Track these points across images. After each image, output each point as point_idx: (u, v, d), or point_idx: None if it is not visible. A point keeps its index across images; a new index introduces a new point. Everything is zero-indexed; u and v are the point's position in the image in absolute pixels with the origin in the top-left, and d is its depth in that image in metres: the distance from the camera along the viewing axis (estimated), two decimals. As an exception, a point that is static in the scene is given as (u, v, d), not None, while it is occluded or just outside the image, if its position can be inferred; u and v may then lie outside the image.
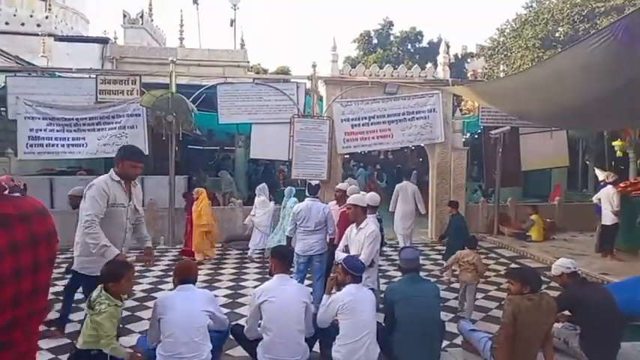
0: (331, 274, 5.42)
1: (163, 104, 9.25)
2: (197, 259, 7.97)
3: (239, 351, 4.10)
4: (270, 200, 9.04)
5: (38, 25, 16.35)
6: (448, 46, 11.68)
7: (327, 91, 10.57)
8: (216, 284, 6.98)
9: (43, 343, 4.49)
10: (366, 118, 10.43)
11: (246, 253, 8.78)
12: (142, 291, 6.57)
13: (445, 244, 8.02)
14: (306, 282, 5.66)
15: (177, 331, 3.25)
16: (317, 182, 6.16)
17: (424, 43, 30.19)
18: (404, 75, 10.80)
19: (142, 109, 9.64)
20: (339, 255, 4.83)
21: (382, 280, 6.58)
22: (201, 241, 8.20)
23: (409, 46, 30.18)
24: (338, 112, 10.37)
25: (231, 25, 16.20)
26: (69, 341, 4.66)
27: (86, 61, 13.11)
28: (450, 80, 10.88)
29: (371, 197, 5.41)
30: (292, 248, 5.53)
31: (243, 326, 3.84)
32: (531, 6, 22.03)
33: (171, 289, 3.74)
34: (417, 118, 10.51)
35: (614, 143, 11.39)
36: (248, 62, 15.83)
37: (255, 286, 4.41)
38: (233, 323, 4.20)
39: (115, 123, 9.72)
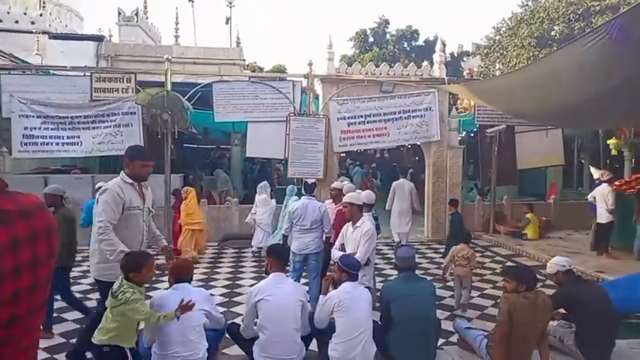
0: (327, 274, 5.44)
1: (159, 102, 9.20)
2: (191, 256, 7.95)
3: (235, 350, 4.09)
4: (272, 198, 9.01)
5: (32, 23, 16.25)
6: (444, 45, 11.69)
7: (324, 89, 10.56)
8: (212, 283, 6.97)
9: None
10: (362, 116, 10.43)
11: (243, 252, 8.77)
12: (138, 290, 6.53)
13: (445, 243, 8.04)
14: (303, 280, 5.66)
15: (173, 330, 3.25)
16: (313, 181, 6.16)
17: (420, 42, 30.19)
18: (400, 73, 10.80)
19: (137, 108, 9.60)
20: (336, 253, 4.83)
21: (378, 279, 6.60)
22: (187, 240, 8.14)
23: (405, 45, 30.16)
24: (334, 111, 10.36)
25: (227, 23, 16.15)
26: (63, 340, 4.64)
27: (81, 58, 13.03)
28: (446, 79, 10.90)
29: (366, 195, 5.42)
30: (288, 247, 5.52)
31: (240, 325, 3.83)
32: (527, 5, 22.13)
33: (166, 288, 3.73)
34: (413, 117, 10.52)
35: (609, 142, 11.44)
36: (244, 60, 15.76)
37: (252, 285, 4.41)
38: (229, 322, 4.19)
39: (110, 121, 9.67)
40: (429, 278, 6.56)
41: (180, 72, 11.62)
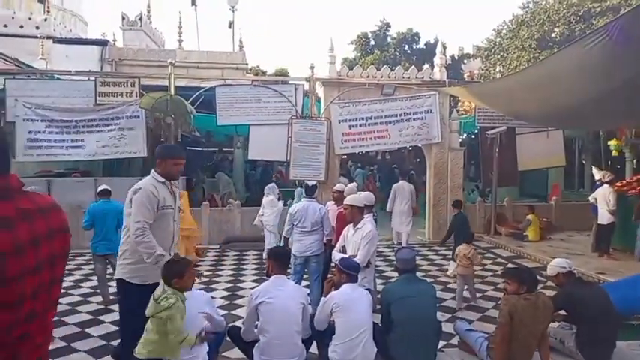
0: (328, 276, 5.41)
1: (162, 106, 9.22)
2: None
3: (236, 352, 4.07)
4: (279, 200, 8.93)
5: (37, 28, 16.30)
6: (445, 47, 11.69)
7: (325, 92, 10.56)
8: (213, 285, 6.96)
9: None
10: (363, 119, 10.42)
11: (244, 255, 8.74)
12: (140, 292, 6.52)
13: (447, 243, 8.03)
14: (304, 283, 5.64)
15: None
16: (314, 183, 6.14)
17: (421, 45, 30.16)
18: (401, 76, 10.79)
19: (140, 111, 9.62)
20: (336, 255, 4.81)
21: (379, 281, 6.57)
22: (178, 245, 8.01)
23: (406, 48, 30.14)
24: (336, 113, 10.35)
25: (230, 27, 16.17)
26: (65, 344, 4.63)
27: (85, 63, 13.08)
28: (447, 81, 10.87)
29: (366, 197, 5.39)
30: (289, 249, 5.50)
31: (240, 327, 3.81)
32: (528, 7, 22.08)
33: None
34: (414, 119, 10.50)
35: (609, 143, 11.38)
36: (246, 64, 15.81)
37: (253, 288, 4.38)
38: (230, 324, 4.17)
39: (114, 125, 9.70)
40: (429, 280, 6.54)
41: (184, 76, 11.65)
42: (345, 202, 5.13)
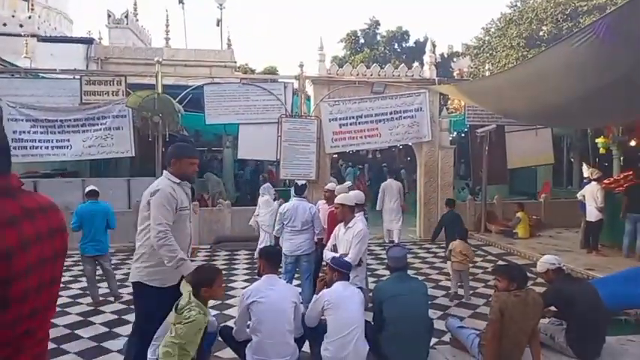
0: (320, 274, 5.42)
1: (149, 105, 9.15)
2: None
3: (228, 352, 4.07)
4: (274, 200, 8.90)
5: (21, 26, 16.08)
6: (434, 46, 11.75)
7: (315, 90, 10.57)
8: (204, 286, 6.91)
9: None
10: (353, 117, 10.45)
11: (235, 254, 8.72)
12: (130, 294, 6.45)
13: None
14: (295, 282, 5.65)
15: (166, 333, 3.21)
16: (303, 182, 6.15)
17: (411, 43, 30.32)
18: (391, 74, 10.83)
19: (127, 110, 9.54)
20: (327, 254, 4.82)
21: (371, 279, 6.60)
22: None
23: (396, 46, 30.28)
24: (326, 112, 10.37)
25: (218, 25, 16.08)
26: (55, 346, 4.58)
27: (70, 61, 12.93)
28: (437, 79, 10.95)
29: (356, 195, 5.41)
30: (280, 248, 5.51)
31: (232, 327, 3.81)
32: (516, 5, 22.28)
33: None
34: (404, 117, 10.55)
35: (597, 140, 11.55)
36: (235, 62, 15.74)
37: (244, 287, 4.38)
38: (222, 325, 4.17)
39: (101, 124, 9.61)
40: (421, 278, 6.59)
41: (171, 74, 11.57)
42: (336, 200, 5.15)
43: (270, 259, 3.83)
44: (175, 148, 3.56)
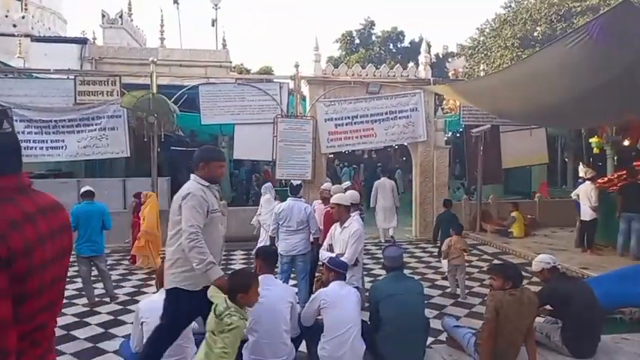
0: (317, 274, 5.43)
1: (144, 105, 9.12)
2: (137, 264, 7.74)
3: (224, 353, 4.06)
4: (275, 199, 8.88)
5: (14, 26, 15.98)
6: (429, 46, 11.82)
7: (310, 90, 10.57)
8: (200, 286, 6.90)
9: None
10: (349, 117, 10.46)
11: (231, 255, 8.71)
12: (125, 295, 6.47)
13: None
14: (291, 282, 5.65)
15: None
16: (298, 182, 6.15)
17: (406, 43, 30.41)
18: (386, 74, 10.85)
19: (122, 111, 9.50)
20: (324, 254, 4.83)
21: (367, 279, 6.61)
22: (143, 246, 7.71)
23: (391, 46, 30.36)
24: (321, 112, 10.37)
25: (213, 25, 16.05)
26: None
27: (64, 61, 12.85)
28: (432, 79, 10.97)
29: (351, 195, 5.42)
30: (276, 248, 5.51)
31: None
32: (510, 6, 22.39)
33: (154, 293, 3.69)
34: (400, 118, 10.58)
35: (591, 140, 11.63)
36: (230, 62, 15.69)
37: (240, 288, 4.37)
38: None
39: (95, 125, 9.56)
40: (417, 277, 6.61)
41: (166, 74, 11.54)
42: (332, 200, 5.16)
43: (267, 259, 3.83)
44: (203, 151, 3.54)
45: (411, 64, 11.59)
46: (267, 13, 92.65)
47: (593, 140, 11.50)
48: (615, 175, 9.62)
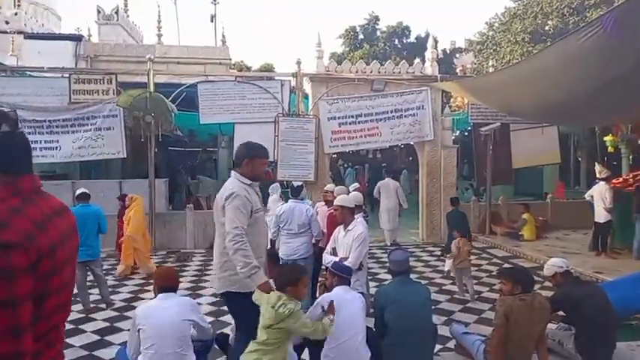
0: (320, 279, 5.42)
1: (141, 104, 9.15)
2: (117, 272, 7.70)
3: (224, 361, 4.07)
4: (281, 199, 8.89)
5: (7, 23, 16.09)
6: (436, 41, 11.79)
7: (313, 88, 10.57)
8: (200, 292, 6.93)
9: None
10: (353, 116, 10.46)
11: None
12: (122, 300, 6.48)
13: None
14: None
15: (158, 342, 3.21)
16: (300, 183, 6.15)
17: (412, 39, 30.32)
18: (391, 71, 10.84)
19: (118, 110, 9.53)
20: (327, 258, 4.82)
21: (372, 284, 6.60)
22: (129, 250, 7.70)
23: (396, 42, 30.28)
24: (324, 111, 10.37)
25: (212, 21, 16.14)
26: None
27: (58, 59, 12.91)
28: (439, 76, 10.96)
29: (355, 197, 5.42)
30: (276, 251, 5.51)
31: (229, 335, 3.81)
32: (520, -1, 22.34)
33: (151, 298, 3.69)
34: (406, 116, 10.57)
35: (605, 139, 11.57)
36: (230, 59, 15.74)
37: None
38: (218, 332, 4.17)
39: (91, 125, 9.60)
40: (424, 282, 6.59)
41: (164, 72, 11.57)
42: (335, 202, 5.15)
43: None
44: (248, 148, 3.51)
45: (417, 60, 11.56)
46: (268, 8, 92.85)
47: (608, 138, 11.44)
48: (631, 175, 9.55)
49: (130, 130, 9.64)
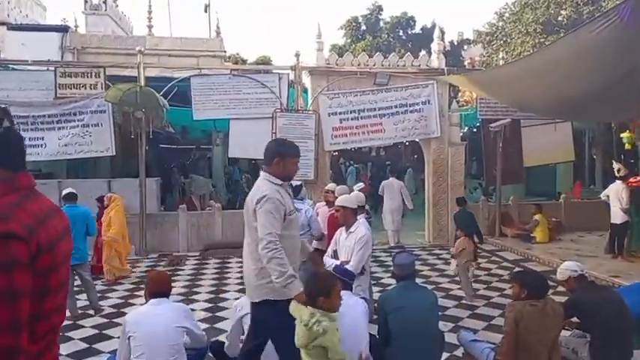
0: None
1: (131, 99, 9.16)
2: (106, 278, 7.65)
3: (219, 370, 4.07)
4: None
5: (-12, 13, 16.06)
6: (443, 32, 11.82)
7: (312, 82, 10.57)
8: (193, 297, 6.94)
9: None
10: (355, 111, 10.46)
11: (227, 262, 8.74)
12: (111, 306, 6.49)
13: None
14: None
15: (150, 350, 3.22)
16: (299, 182, 6.14)
17: (417, 29, 30.34)
18: (395, 64, 10.85)
19: (107, 105, 9.54)
20: (328, 261, 4.82)
21: (376, 289, 6.61)
22: (109, 254, 7.68)
23: (400, 33, 30.30)
24: (324, 106, 10.38)
25: (206, 11, 16.12)
26: None
27: (44, 52, 12.88)
28: (446, 69, 10.96)
29: (356, 197, 5.41)
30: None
31: (224, 343, 3.82)
32: (532, -12, 22.32)
33: (142, 304, 3.70)
34: (411, 111, 10.57)
35: (622, 135, 11.56)
36: (225, 52, 15.72)
37: (237, 298, 4.39)
38: (212, 340, 4.18)
39: (78, 121, 9.60)
40: (430, 287, 6.60)
41: (155, 65, 11.56)
42: (337, 203, 5.14)
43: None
44: (279, 145, 3.47)
45: (422, 52, 11.58)
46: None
47: (625, 135, 11.43)
48: (650, 174, 9.57)
49: (119, 126, 9.64)
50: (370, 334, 3.71)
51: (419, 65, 10.92)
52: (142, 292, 4.75)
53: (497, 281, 7.63)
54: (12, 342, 1.30)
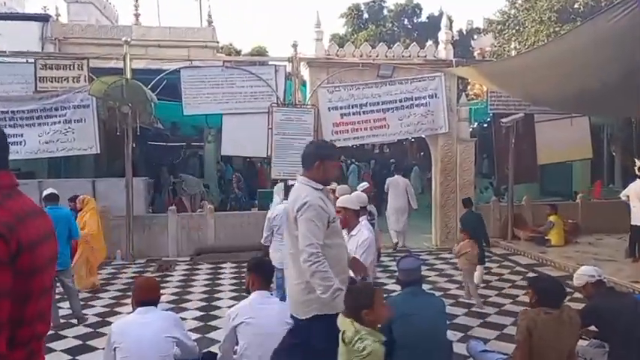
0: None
1: (116, 93, 9.15)
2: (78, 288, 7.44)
3: (212, 383, 4.07)
4: (283, 202, 8.89)
5: (-36, 1, 16.05)
6: (451, 21, 11.83)
7: (311, 74, 10.57)
8: (183, 305, 6.94)
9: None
10: (357, 105, 10.46)
11: (220, 268, 8.73)
12: (95, 315, 6.49)
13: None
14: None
15: (137, 362, 3.22)
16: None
17: (423, 18, 30.39)
18: (400, 55, 10.85)
19: (91, 100, 9.53)
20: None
21: (379, 295, 6.61)
22: (77, 259, 7.44)
23: (406, 21, 30.35)
24: (324, 100, 10.38)
25: (196, -1, 16.09)
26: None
27: (23, 42, 12.89)
28: (454, 60, 10.96)
29: (358, 197, 5.41)
30: (269, 259, 5.50)
31: (217, 354, 3.82)
32: (546, -27, 22.33)
33: (129, 313, 3.70)
34: (417, 106, 10.57)
35: (642, 130, 11.60)
36: (217, 42, 15.73)
37: (230, 306, 4.39)
38: (204, 350, 4.18)
39: (59, 116, 9.60)
40: (437, 293, 6.61)
41: (142, 57, 11.57)
42: (337, 203, 5.13)
43: (262, 273, 3.83)
44: (319, 147, 3.46)
45: (429, 42, 11.61)
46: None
47: (645, 130, 11.47)
48: (672, 172, 9.58)
49: (103, 122, 9.64)
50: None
51: (425, 56, 10.91)
52: (128, 300, 4.76)
53: (509, 287, 7.63)
54: None
